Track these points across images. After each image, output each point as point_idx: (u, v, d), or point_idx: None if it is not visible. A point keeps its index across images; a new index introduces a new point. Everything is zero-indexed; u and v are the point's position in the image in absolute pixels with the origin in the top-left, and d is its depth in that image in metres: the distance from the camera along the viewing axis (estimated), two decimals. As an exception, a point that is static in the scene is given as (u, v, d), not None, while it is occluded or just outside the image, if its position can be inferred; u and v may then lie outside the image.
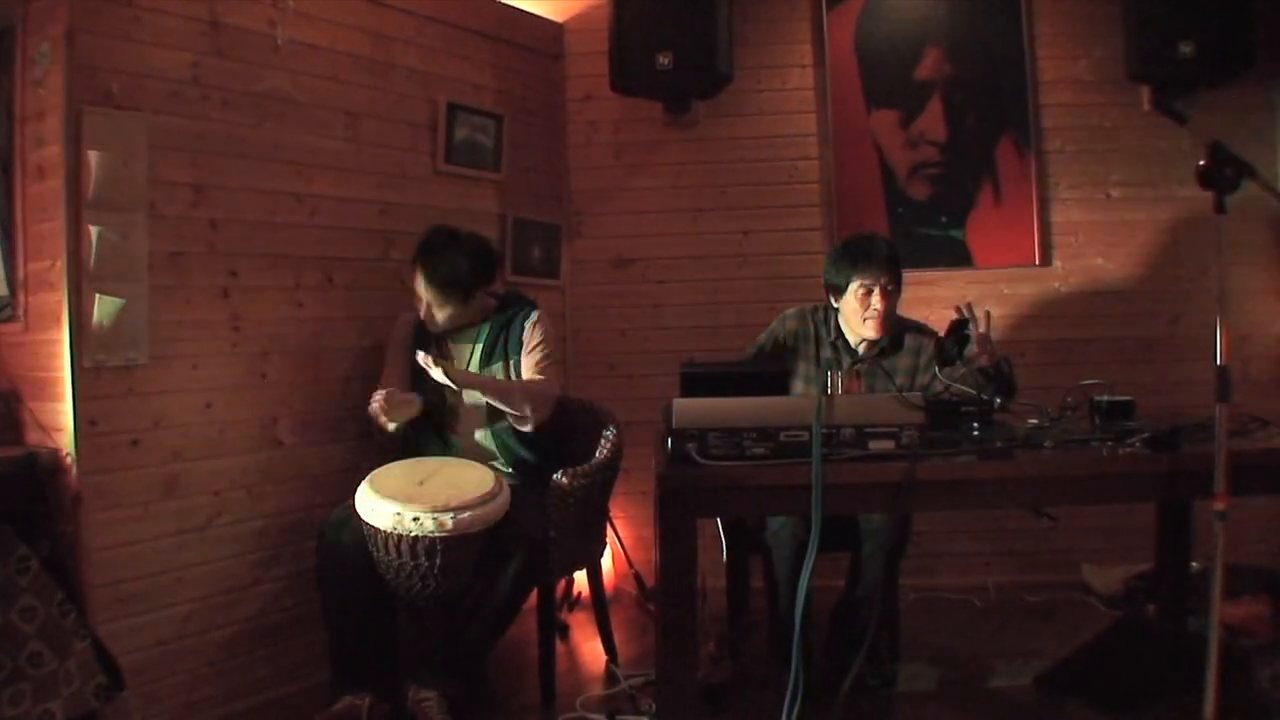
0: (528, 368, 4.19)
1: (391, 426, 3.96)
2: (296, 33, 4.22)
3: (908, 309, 4.23)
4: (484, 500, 3.59)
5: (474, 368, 4.18)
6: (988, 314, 3.82)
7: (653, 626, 4.70)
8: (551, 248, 5.53)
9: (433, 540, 3.50)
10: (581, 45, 5.62)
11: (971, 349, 3.75)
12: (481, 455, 4.10)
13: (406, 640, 3.93)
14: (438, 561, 3.54)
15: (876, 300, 3.98)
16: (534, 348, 4.20)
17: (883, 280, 3.98)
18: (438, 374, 3.84)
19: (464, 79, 5.02)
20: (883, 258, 4.02)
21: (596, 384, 5.43)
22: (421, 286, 4.13)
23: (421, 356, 3.85)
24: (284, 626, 4.15)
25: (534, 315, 4.27)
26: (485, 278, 4.22)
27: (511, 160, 5.24)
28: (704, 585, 4.54)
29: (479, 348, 4.23)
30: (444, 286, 4.10)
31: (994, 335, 3.86)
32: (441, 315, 4.14)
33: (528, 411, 4.05)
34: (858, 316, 4.02)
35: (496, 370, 4.18)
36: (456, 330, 4.24)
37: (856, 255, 4.05)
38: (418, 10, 4.75)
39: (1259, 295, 5.38)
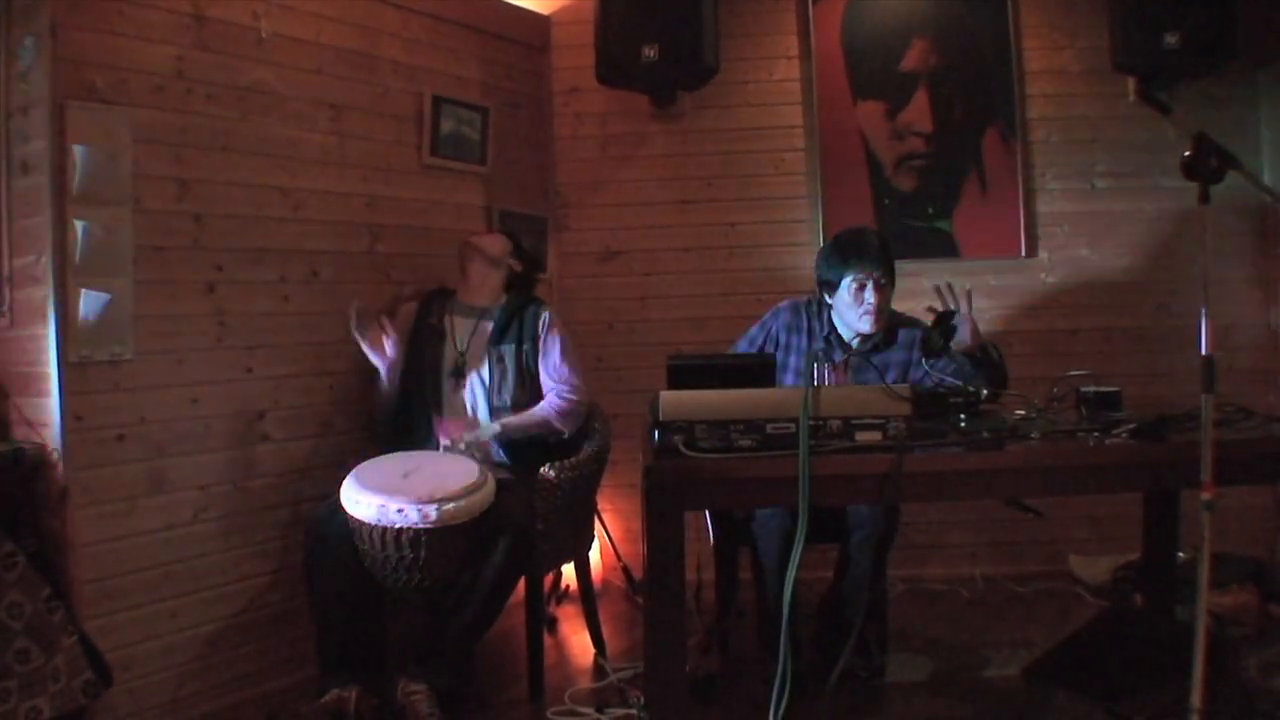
0: (555, 378, 4.32)
1: (369, 353, 4.13)
2: (280, 26, 4.21)
3: (894, 299, 4.23)
4: (468, 491, 3.59)
5: (476, 343, 4.28)
6: (969, 294, 3.81)
7: (641, 619, 4.70)
8: (538, 241, 5.52)
9: (417, 532, 3.51)
10: (567, 38, 5.61)
11: (960, 340, 3.76)
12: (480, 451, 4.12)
13: (394, 633, 3.94)
14: (422, 553, 3.54)
15: (870, 295, 3.97)
16: (555, 356, 4.34)
17: (876, 275, 3.97)
18: (470, 440, 4.07)
19: (449, 72, 5.00)
20: (875, 252, 4.01)
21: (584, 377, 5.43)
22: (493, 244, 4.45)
23: (450, 442, 4.08)
24: (271, 621, 4.14)
25: (547, 311, 4.40)
26: (520, 253, 4.54)
27: (497, 153, 5.24)
28: (693, 577, 4.56)
29: (486, 325, 4.32)
30: (505, 252, 4.47)
31: (980, 326, 3.87)
32: (491, 241, 4.49)
33: (561, 428, 4.29)
34: (853, 312, 4.01)
35: (507, 352, 4.28)
36: (471, 308, 4.36)
37: (848, 251, 4.04)
38: (402, 3, 4.74)
39: (1244, 285, 5.41)
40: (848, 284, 4.00)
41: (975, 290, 3.94)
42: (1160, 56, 5.00)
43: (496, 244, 4.43)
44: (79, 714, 3.34)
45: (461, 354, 4.26)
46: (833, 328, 4.13)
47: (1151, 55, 5.03)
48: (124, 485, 3.68)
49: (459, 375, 4.25)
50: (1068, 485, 3.14)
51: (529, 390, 4.30)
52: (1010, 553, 5.45)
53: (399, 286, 4.51)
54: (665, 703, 2.93)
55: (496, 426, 4.16)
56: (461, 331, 4.30)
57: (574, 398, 4.29)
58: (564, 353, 4.34)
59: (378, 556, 3.58)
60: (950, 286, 3.82)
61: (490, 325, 4.31)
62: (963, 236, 5.50)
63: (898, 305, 4.23)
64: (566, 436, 4.28)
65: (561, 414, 4.26)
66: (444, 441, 4.09)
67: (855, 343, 4.10)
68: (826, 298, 4.13)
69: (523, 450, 4.21)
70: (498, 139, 5.23)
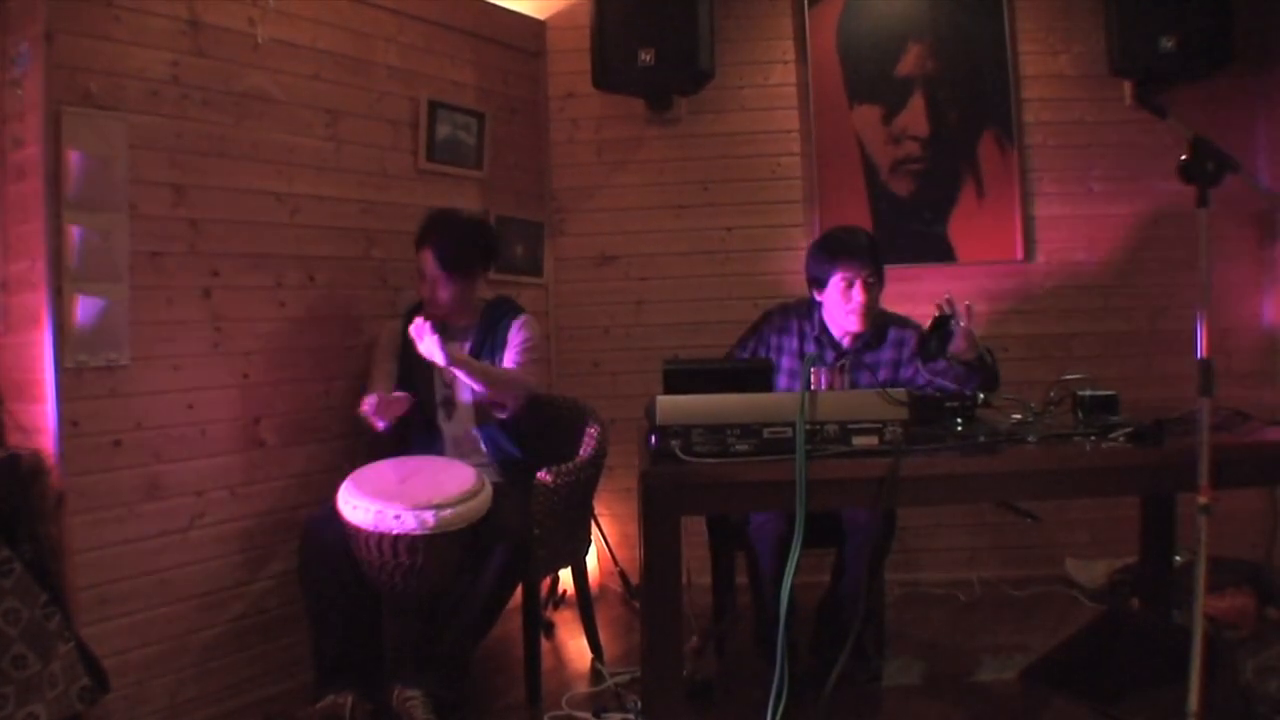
0: (508, 360, 4.24)
1: (381, 425, 3.97)
2: (276, 31, 4.21)
3: (891, 304, 4.23)
4: (465, 497, 3.58)
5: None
6: (969, 308, 3.82)
7: (638, 623, 4.71)
8: (534, 245, 5.52)
9: (414, 538, 3.49)
10: (563, 42, 5.61)
11: (955, 344, 3.76)
12: (467, 453, 4.10)
13: (391, 639, 3.93)
14: (419, 559, 3.53)
15: (858, 292, 3.98)
16: (517, 343, 4.26)
17: (864, 273, 3.99)
18: (428, 345, 3.84)
19: (445, 76, 5.01)
20: (863, 250, 4.02)
21: (580, 381, 5.43)
22: (429, 264, 4.17)
23: (415, 325, 3.85)
24: (268, 627, 4.14)
25: (522, 317, 4.33)
26: (487, 254, 4.35)
27: (493, 158, 5.24)
28: (689, 581, 4.56)
29: (466, 347, 4.24)
30: (453, 263, 4.18)
31: (977, 330, 3.86)
32: (446, 293, 4.19)
33: (504, 394, 4.15)
34: (840, 309, 4.03)
35: None
36: (450, 327, 4.25)
37: (836, 248, 4.06)
38: (398, 8, 4.74)
39: (1241, 289, 5.41)
40: (835, 281, 4.01)
41: (971, 294, 3.94)
42: (1157, 60, 5.02)
43: (458, 289, 4.23)
44: (75, 720, 3.34)
45: (447, 385, 4.22)
46: (823, 328, 4.14)
47: (1148, 59, 5.05)
48: (120, 491, 3.67)
49: (449, 406, 4.23)
50: (1065, 489, 3.15)
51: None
52: (1007, 556, 5.46)
53: (395, 292, 4.49)
54: (662, 707, 2.93)
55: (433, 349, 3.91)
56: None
57: (523, 374, 4.21)
58: (524, 341, 4.27)
59: (374, 563, 3.57)
60: (951, 301, 3.82)
61: (469, 346, 4.26)
62: (959, 240, 5.51)
63: (895, 309, 4.23)
64: (506, 416, 4.20)
65: (507, 375, 4.16)
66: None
67: (845, 341, 4.11)
68: (815, 295, 4.14)
69: (514, 460, 4.20)
70: (494, 144, 5.24)
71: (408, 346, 4.17)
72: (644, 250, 5.62)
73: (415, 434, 4.16)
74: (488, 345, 4.25)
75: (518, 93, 5.47)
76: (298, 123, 4.30)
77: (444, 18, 4.99)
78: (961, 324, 3.77)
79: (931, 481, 2.93)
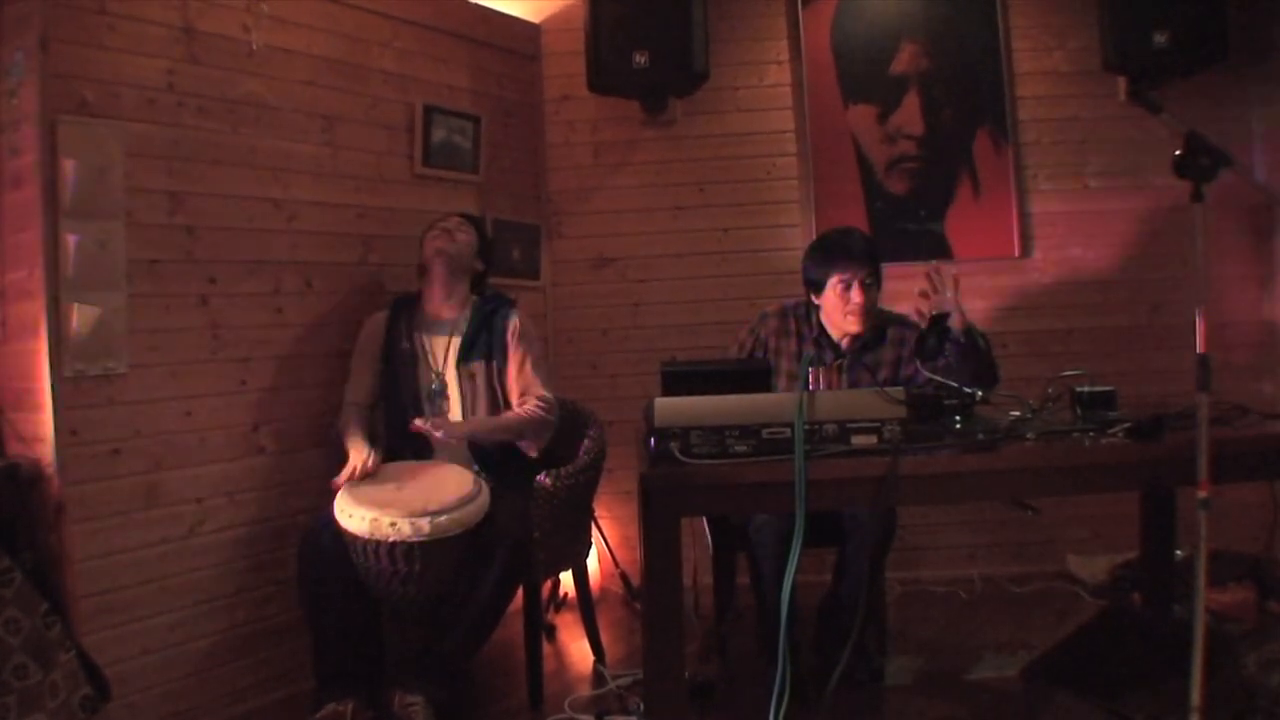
0: (521, 389, 4.24)
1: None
2: (271, 37, 4.21)
3: (888, 302, 4.23)
4: (462, 503, 3.58)
5: (450, 362, 4.21)
6: (956, 280, 3.82)
7: (639, 625, 4.71)
8: (531, 248, 5.52)
9: (411, 545, 3.49)
10: (558, 45, 5.61)
11: (950, 328, 3.77)
12: (463, 458, 4.09)
13: (391, 645, 3.93)
14: (417, 566, 3.53)
15: (855, 294, 3.98)
16: (524, 366, 4.25)
17: (860, 274, 3.98)
18: (438, 435, 3.91)
19: (440, 81, 5.01)
20: (859, 251, 4.02)
21: (579, 384, 5.42)
22: (438, 239, 4.25)
23: (419, 424, 3.89)
24: (268, 634, 4.14)
25: (515, 318, 4.31)
26: (487, 254, 4.43)
27: (490, 162, 5.24)
28: (690, 583, 4.56)
29: (456, 340, 4.23)
30: (467, 218, 4.35)
31: (975, 327, 3.86)
32: (463, 236, 4.27)
33: (530, 442, 4.22)
34: (838, 312, 4.02)
35: (476, 367, 4.20)
36: (440, 321, 4.27)
37: (832, 250, 4.05)
38: (392, 13, 4.74)
39: (1238, 283, 5.41)
40: (833, 284, 4.01)
41: (969, 291, 3.94)
42: (1150, 56, 5.03)
43: (465, 248, 4.28)
44: (78, 729, 3.34)
45: (439, 375, 4.20)
46: (821, 329, 4.13)
47: (1142, 54, 5.06)
48: (120, 499, 3.67)
49: (441, 399, 4.21)
50: (1064, 485, 3.14)
51: (503, 407, 4.25)
52: (1008, 553, 5.46)
53: (392, 297, 4.49)
54: (664, 709, 2.93)
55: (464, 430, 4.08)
56: (436, 351, 4.24)
57: (544, 410, 4.21)
58: (534, 363, 4.27)
59: (372, 569, 3.57)
60: (939, 270, 3.82)
61: (461, 340, 4.25)
62: (956, 238, 5.51)
63: (894, 307, 4.23)
64: (535, 455, 4.23)
65: (532, 422, 4.17)
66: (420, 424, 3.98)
67: (844, 343, 4.10)
68: (813, 298, 4.13)
69: (512, 465, 4.19)
70: (490, 148, 5.23)
71: (392, 346, 4.18)
72: (641, 252, 5.62)
73: (406, 440, 4.12)
74: (484, 339, 4.24)
75: (513, 96, 5.47)
76: (293, 129, 4.30)
77: (438, 22, 4.99)
78: (949, 295, 3.77)
79: (931, 479, 2.92)
